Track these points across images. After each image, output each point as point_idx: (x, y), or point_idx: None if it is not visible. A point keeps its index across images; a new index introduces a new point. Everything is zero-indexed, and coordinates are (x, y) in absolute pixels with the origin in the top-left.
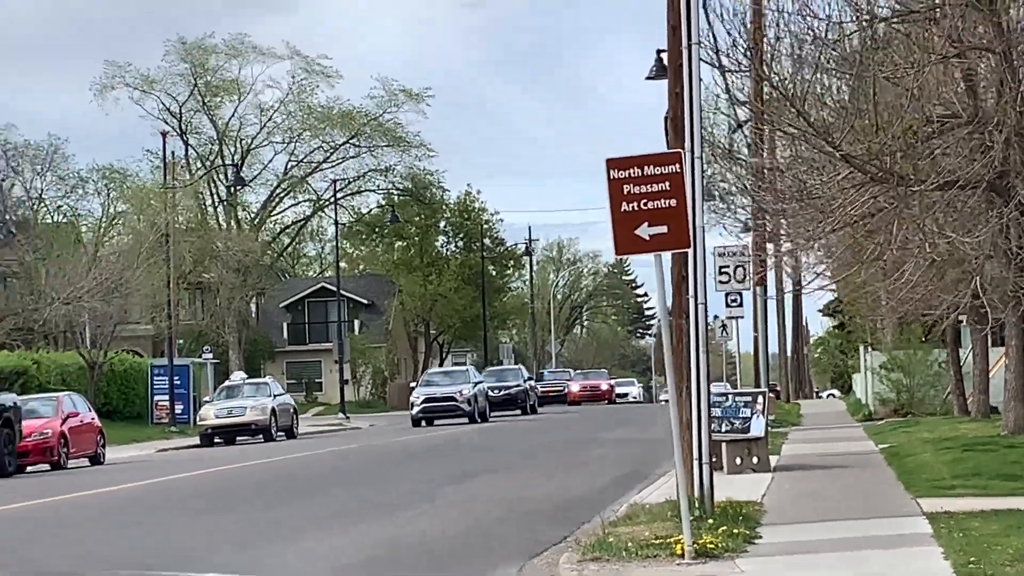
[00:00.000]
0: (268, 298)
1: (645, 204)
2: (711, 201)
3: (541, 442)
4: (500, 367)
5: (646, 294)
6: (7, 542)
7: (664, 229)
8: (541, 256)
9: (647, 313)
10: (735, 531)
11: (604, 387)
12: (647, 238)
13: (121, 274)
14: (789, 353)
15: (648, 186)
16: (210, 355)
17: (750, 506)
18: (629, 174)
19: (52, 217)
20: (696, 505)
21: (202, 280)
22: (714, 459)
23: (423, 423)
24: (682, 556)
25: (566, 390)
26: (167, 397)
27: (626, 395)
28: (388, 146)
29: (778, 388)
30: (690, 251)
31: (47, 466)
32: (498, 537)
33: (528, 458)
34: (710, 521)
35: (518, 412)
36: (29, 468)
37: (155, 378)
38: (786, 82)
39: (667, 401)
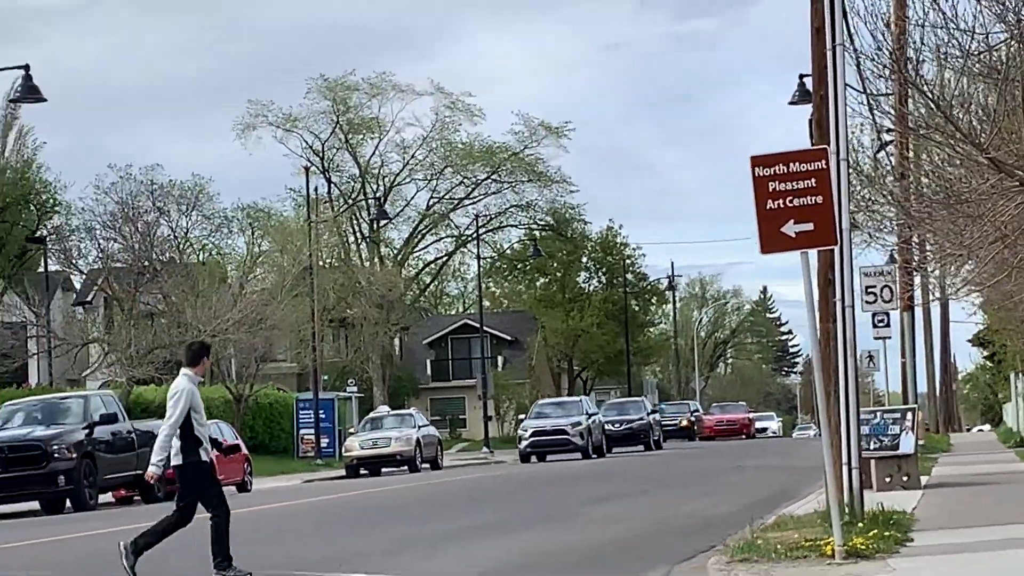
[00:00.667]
0: (411, 335)
1: (791, 201)
2: (856, 231)
3: (665, 473)
4: (621, 399)
5: (791, 332)
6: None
7: (810, 226)
8: (684, 293)
9: (791, 351)
10: (886, 534)
11: (742, 420)
12: (793, 235)
13: (265, 308)
14: (938, 386)
15: (794, 183)
16: (355, 389)
17: (900, 515)
18: (774, 171)
19: (198, 256)
20: (846, 510)
21: (345, 316)
22: (863, 476)
23: (533, 458)
24: (832, 557)
25: (681, 422)
26: (312, 431)
27: (765, 429)
28: (529, 181)
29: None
30: (836, 250)
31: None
32: (644, 547)
33: (660, 484)
34: (860, 525)
35: (640, 447)
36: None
37: (300, 412)
38: (932, 86)
39: (803, 436)
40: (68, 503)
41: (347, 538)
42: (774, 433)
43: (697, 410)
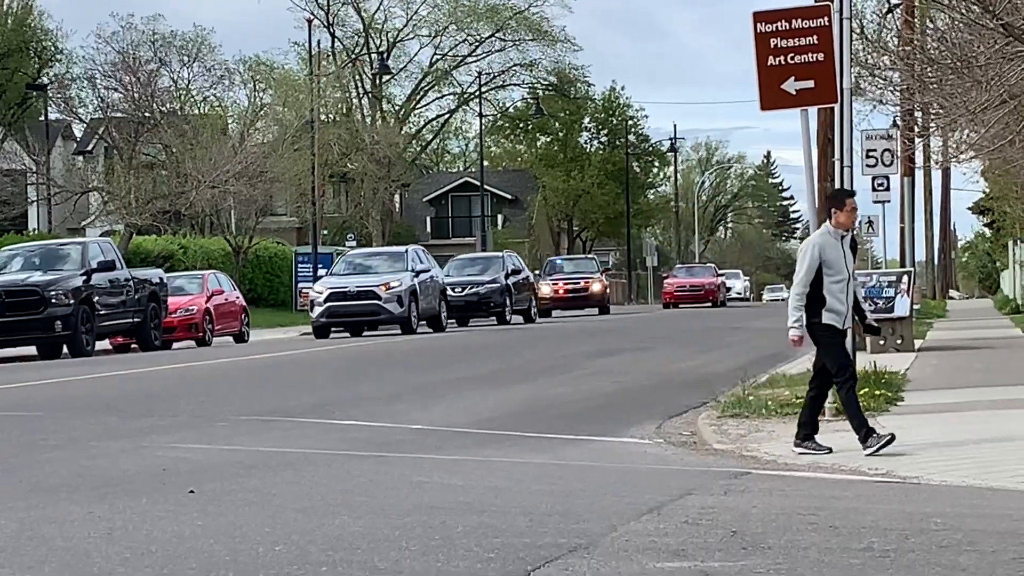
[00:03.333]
0: (412, 192)
1: (792, 58)
2: (860, 96)
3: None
4: (471, 254)
5: (792, 197)
6: (157, 398)
7: (811, 84)
8: (688, 157)
9: (792, 216)
10: (876, 393)
11: (708, 284)
12: (793, 93)
13: (265, 161)
14: (936, 253)
15: (795, 40)
16: (354, 244)
17: (892, 375)
18: (776, 27)
19: (199, 108)
20: None
21: (346, 171)
22: (858, 339)
23: (330, 333)
24: (823, 414)
25: (591, 287)
26: (311, 284)
27: (728, 290)
28: (533, 40)
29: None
30: (836, 109)
31: (192, 342)
32: (636, 401)
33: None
34: None
35: (494, 320)
36: (175, 344)
37: (299, 265)
38: None
39: (776, 299)
40: (65, 348)
41: (342, 387)
42: (739, 294)
43: (607, 267)
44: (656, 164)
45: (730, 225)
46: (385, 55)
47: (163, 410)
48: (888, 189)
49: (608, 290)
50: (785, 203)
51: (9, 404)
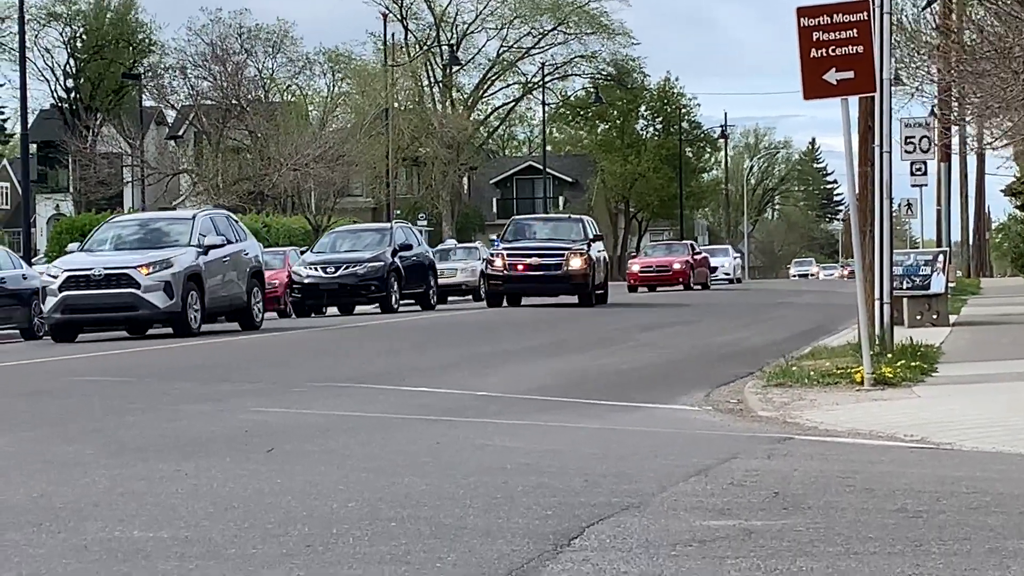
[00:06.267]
0: (479, 175)
1: (833, 50)
2: (899, 86)
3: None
4: (350, 227)
5: (835, 181)
6: (239, 365)
7: (851, 74)
8: (737, 143)
9: (836, 199)
10: (913, 364)
11: (678, 263)
12: (834, 83)
13: (343, 145)
14: (971, 234)
15: (836, 33)
16: (425, 223)
17: (928, 348)
18: (818, 22)
19: (281, 96)
20: (876, 342)
21: (418, 155)
22: (895, 314)
23: (69, 333)
24: (861, 384)
25: (559, 266)
26: None
27: (715, 270)
28: (593, 33)
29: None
30: (875, 98)
31: (274, 314)
32: (685, 371)
33: None
34: (889, 356)
35: (378, 308)
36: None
37: None
38: None
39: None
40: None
41: (407, 356)
42: (726, 275)
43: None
44: (708, 150)
45: (777, 207)
46: (455, 47)
47: (244, 377)
48: (925, 174)
49: (596, 271)
50: (829, 186)
51: (100, 370)
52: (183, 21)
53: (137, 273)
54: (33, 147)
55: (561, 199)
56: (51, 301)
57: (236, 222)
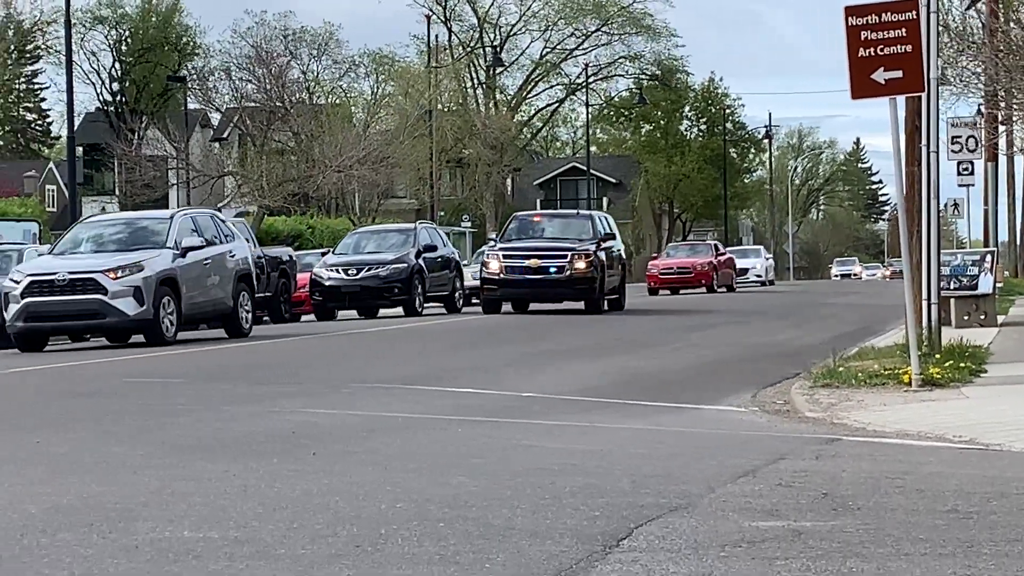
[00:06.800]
0: (523, 176)
1: (881, 50)
2: (946, 86)
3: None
4: (372, 227)
5: (880, 181)
6: (285, 366)
7: (899, 74)
8: (781, 143)
9: (881, 199)
10: (961, 365)
11: (701, 265)
12: (882, 82)
13: (387, 147)
14: (1019, 234)
15: (885, 32)
16: (469, 224)
17: (976, 348)
18: (866, 21)
19: (326, 98)
20: (924, 342)
21: (462, 156)
22: (942, 314)
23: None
24: (909, 384)
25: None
26: None
27: (745, 271)
28: (637, 34)
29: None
30: (923, 97)
31: (312, 316)
32: (731, 371)
33: None
34: (937, 356)
35: (401, 310)
36: (303, 317)
37: None
38: None
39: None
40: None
41: (452, 357)
42: (757, 277)
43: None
44: (752, 150)
45: (822, 207)
46: (498, 48)
47: (290, 378)
48: (972, 173)
49: (606, 273)
50: (874, 187)
51: (148, 371)
52: (228, 24)
53: (104, 278)
54: (79, 150)
55: (605, 200)
56: (13, 308)
57: (223, 222)
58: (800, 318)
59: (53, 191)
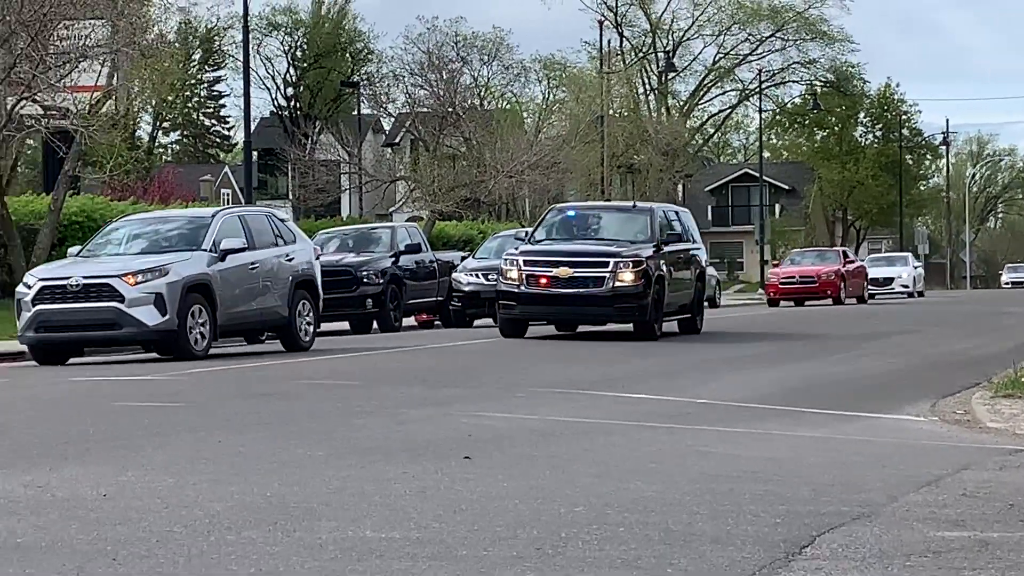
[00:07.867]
0: (694, 182)
1: None
2: None
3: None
4: (515, 231)
5: None
6: (460, 370)
7: None
8: (960, 149)
9: None
10: None
11: (828, 274)
12: None
13: (558, 152)
14: None
15: None
16: None
17: None
18: None
19: (497, 103)
20: None
21: (633, 162)
22: None
23: (54, 355)
24: None
25: (601, 280)
26: None
27: (890, 281)
28: (812, 39)
29: None
30: None
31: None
32: (909, 380)
33: None
34: None
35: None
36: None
37: None
38: None
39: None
40: (375, 324)
41: (625, 362)
42: (904, 288)
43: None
44: (928, 157)
45: (1000, 215)
46: (671, 53)
47: (466, 381)
48: None
49: (669, 287)
50: None
51: (327, 374)
52: (400, 30)
53: (122, 283)
54: (254, 155)
55: (777, 207)
56: (25, 316)
57: (282, 222)
58: (976, 328)
59: (228, 195)
